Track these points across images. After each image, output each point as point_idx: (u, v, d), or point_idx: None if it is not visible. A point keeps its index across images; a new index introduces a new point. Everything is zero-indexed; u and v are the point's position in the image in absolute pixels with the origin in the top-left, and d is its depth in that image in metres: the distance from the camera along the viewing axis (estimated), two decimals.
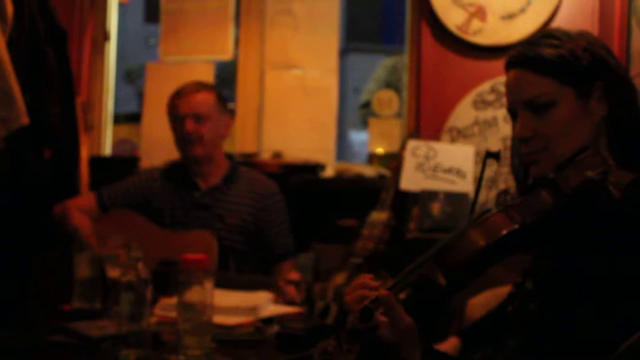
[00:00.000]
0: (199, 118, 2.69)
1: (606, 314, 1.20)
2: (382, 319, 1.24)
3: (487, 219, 1.23)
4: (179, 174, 2.79)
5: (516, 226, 1.21)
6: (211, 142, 2.72)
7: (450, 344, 1.66)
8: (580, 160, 1.27)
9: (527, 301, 1.38)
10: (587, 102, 1.36)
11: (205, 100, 2.72)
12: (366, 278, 1.36)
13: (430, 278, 1.22)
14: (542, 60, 1.37)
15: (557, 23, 3.50)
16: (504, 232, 1.20)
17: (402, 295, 1.25)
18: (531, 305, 1.35)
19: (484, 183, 3.43)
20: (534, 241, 1.31)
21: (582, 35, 1.40)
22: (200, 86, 2.77)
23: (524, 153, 1.43)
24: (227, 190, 2.75)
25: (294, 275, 2.56)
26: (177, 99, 2.73)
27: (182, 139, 2.71)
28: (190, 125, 2.67)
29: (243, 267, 2.65)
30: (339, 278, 3.01)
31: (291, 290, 2.29)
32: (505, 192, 1.28)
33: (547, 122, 1.37)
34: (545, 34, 1.43)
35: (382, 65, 4.70)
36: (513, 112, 1.43)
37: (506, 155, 1.60)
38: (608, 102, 1.37)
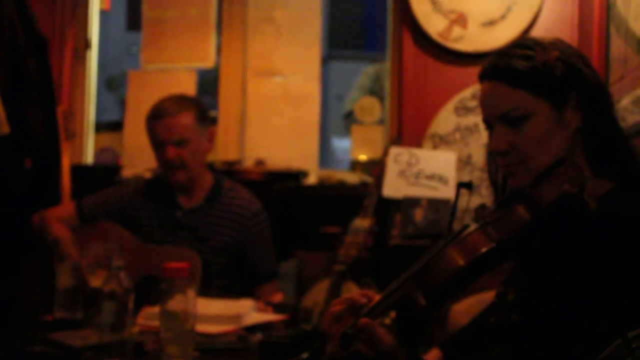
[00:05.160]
0: (180, 143, 2.58)
1: (586, 324, 1.21)
2: (361, 346, 1.23)
3: (465, 238, 1.23)
4: (160, 190, 2.70)
5: (494, 244, 1.20)
6: (194, 164, 2.62)
7: (432, 356, 1.65)
8: (558, 172, 1.27)
9: (509, 313, 1.37)
10: (562, 113, 1.35)
11: (185, 124, 2.59)
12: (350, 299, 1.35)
13: (410, 299, 1.21)
14: (514, 73, 1.36)
15: (537, 30, 3.53)
16: (483, 250, 1.20)
17: (387, 320, 1.23)
18: (514, 317, 1.35)
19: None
20: (513, 255, 1.31)
21: (555, 44, 1.39)
22: (178, 105, 2.62)
23: (500, 165, 1.43)
24: (210, 210, 2.67)
25: (277, 298, 2.54)
26: (155, 121, 2.61)
27: (164, 165, 2.63)
28: (171, 152, 2.58)
29: (226, 287, 2.60)
30: (322, 285, 3.01)
31: (269, 312, 2.25)
32: (482, 206, 1.28)
33: (522, 135, 1.36)
34: (518, 43, 1.41)
35: (364, 73, 4.71)
36: (488, 124, 1.43)
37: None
38: (583, 111, 1.36)
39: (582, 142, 1.36)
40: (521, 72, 1.36)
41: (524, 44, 1.40)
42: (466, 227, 1.29)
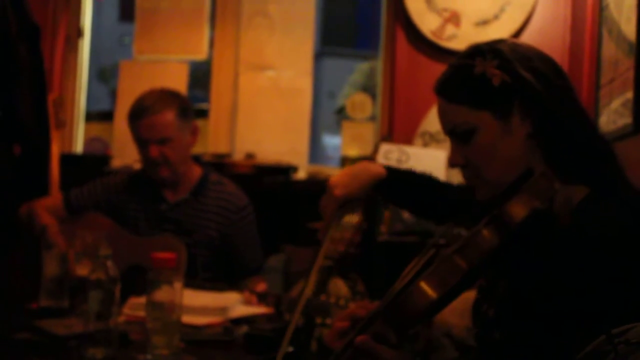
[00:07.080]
0: (162, 141, 2.56)
1: (562, 338, 1.19)
2: None
3: (434, 270, 1.19)
4: (147, 183, 2.69)
5: (464, 273, 1.17)
6: (178, 160, 2.61)
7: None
8: (527, 186, 1.20)
9: (491, 329, 1.35)
10: (507, 122, 1.33)
11: (167, 122, 2.56)
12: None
13: (381, 337, 1.19)
14: (453, 90, 1.36)
15: (529, 31, 3.54)
16: (454, 281, 1.17)
17: None
18: (496, 334, 1.33)
19: None
20: (484, 275, 1.29)
21: (498, 51, 1.34)
22: (160, 102, 2.58)
23: (463, 178, 1.42)
24: (195, 204, 2.67)
25: (260, 287, 2.54)
26: (136, 120, 2.58)
27: (147, 162, 2.62)
28: (154, 150, 2.56)
29: (211, 280, 2.60)
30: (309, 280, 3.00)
31: (253, 300, 2.26)
32: (451, 225, 1.26)
33: (472, 149, 1.36)
34: (464, 53, 1.39)
35: (358, 69, 4.71)
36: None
37: None
38: (530, 117, 1.32)
39: (537, 147, 1.33)
40: (460, 88, 1.36)
41: (467, 53, 1.38)
42: (441, 246, 1.26)
